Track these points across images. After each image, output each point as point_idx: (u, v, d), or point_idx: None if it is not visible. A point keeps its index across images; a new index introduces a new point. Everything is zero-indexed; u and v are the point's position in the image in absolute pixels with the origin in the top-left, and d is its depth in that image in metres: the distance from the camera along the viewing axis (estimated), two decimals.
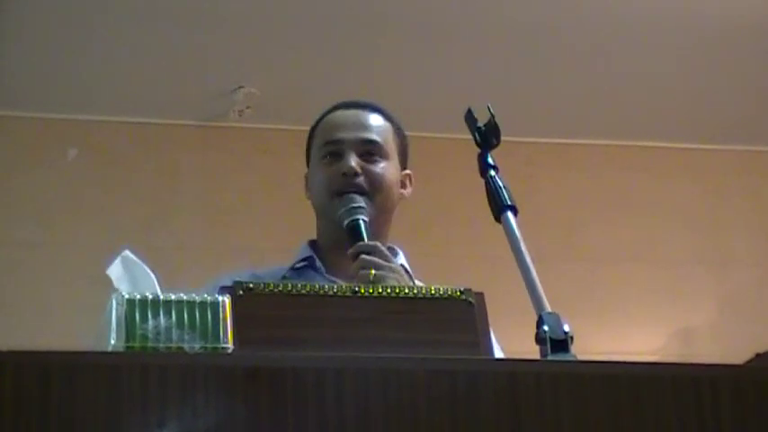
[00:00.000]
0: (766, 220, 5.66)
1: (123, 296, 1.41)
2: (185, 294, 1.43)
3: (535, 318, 1.61)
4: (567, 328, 1.57)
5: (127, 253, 1.61)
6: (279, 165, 5.04)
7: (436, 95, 4.92)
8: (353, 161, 2.35)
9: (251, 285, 1.56)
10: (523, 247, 1.74)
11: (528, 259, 1.72)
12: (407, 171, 2.49)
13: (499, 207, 1.82)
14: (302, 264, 2.38)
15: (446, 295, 1.65)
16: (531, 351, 1.60)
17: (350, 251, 2.19)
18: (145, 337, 1.39)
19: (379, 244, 2.21)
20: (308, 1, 4.54)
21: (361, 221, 2.25)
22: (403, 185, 2.47)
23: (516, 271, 1.74)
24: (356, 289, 1.62)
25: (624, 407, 1.42)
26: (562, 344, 1.55)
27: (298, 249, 2.44)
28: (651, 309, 5.36)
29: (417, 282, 2.40)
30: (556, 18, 4.67)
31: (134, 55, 4.75)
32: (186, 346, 1.40)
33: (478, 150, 1.92)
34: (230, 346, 1.41)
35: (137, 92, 4.98)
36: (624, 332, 5.29)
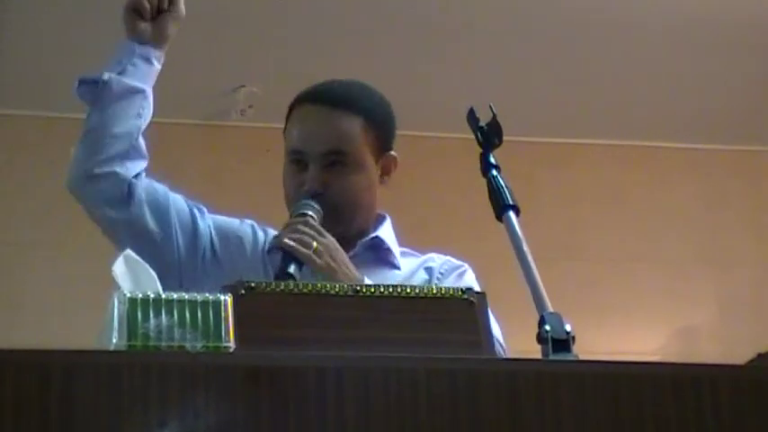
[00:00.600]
0: (766, 220, 5.66)
1: (125, 295, 1.41)
2: (187, 293, 1.43)
3: (537, 317, 1.61)
4: (568, 327, 1.57)
5: (129, 252, 1.61)
6: (280, 164, 5.03)
7: (437, 95, 4.92)
8: (316, 179, 2.25)
9: (252, 284, 1.56)
10: (525, 247, 1.74)
11: (530, 259, 1.72)
12: (392, 154, 2.36)
13: (501, 206, 1.82)
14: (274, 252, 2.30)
15: (447, 295, 1.65)
16: (533, 351, 1.60)
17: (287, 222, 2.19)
18: (147, 336, 1.39)
19: (306, 220, 2.18)
20: (309, 1, 4.54)
21: (307, 214, 2.21)
22: (385, 172, 2.35)
23: (518, 270, 1.74)
24: (357, 288, 1.62)
25: (625, 406, 1.42)
26: (564, 343, 1.55)
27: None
28: (652, 308, 5.37)
29: (402, 249, 2.38)
30: (556, 18, 4.67)
31: None
32: (188, 345, 1.40)
33: (480, 150, 1.92)
34: (232, 345, 1.42)
35: None
36: (625, 332, 5.29)
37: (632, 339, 5.26)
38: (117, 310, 1.39)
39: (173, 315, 1.40)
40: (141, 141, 2.35)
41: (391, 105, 2.40)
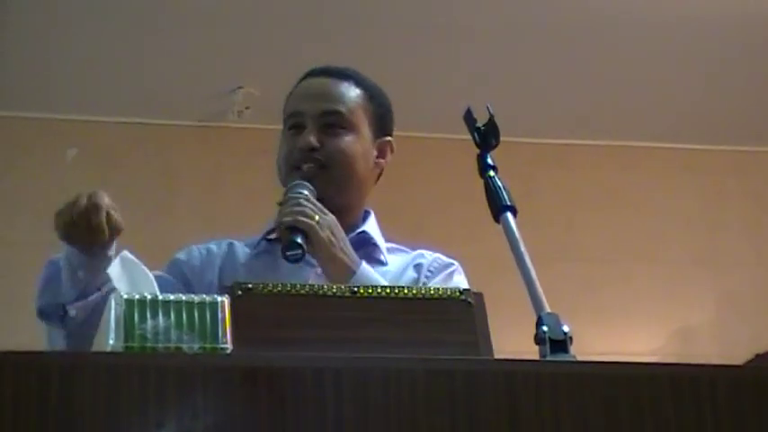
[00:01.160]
0: (765, 220, 5.66)
1: (122, 296, 1.41)
2: (184, 295, 1.43)
3: (534, 318, 1.61)
4: (566, 328, 1.57)
5: (126, 253, 1.61)
6: None
7: (436, 95, 4.92)
8: (312, 135, 2.27)
9: (249, 286, 1.56)
10: (523, 248, 1.74)
11: (527, 259, 1.72)
12: (388, 138, 2.38)
13: (498, 207, 1.82)
14: (274, 235, 2.29)
15: (445, 295, 1.65)
16: (531, 351, 1.60)
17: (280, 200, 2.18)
18: (144, 338, 1.39)
19: (306, 196, 2.15)
20: (308, 1, 4.54)
21: (302, 192, 2.18)
22: (381, 154, 2.36)
23: (515, 271, 1.74)
24: (355, 289, 1.62)
25: (623, 407, 1.42)
26: (561, 344, 1.55)
27: (272, 218, 2.35)
28: (650, 309, 5.36)
29: (390, 245, 2.37)
30: (556, 18, 4.67)
31: (133, 55, 4.75)
32: (185, 347, 1.40)
33: (478, 150, 1.92)
34: (229, 346, 1.41)
35: (136, 92, 4.98)
36: (623, 332, 5.29)
37: (630, 340, 5.26)
38: (114, 312, 1.39)
39: (169, 316, 1.40)
40: None
41: None
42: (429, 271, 2.30)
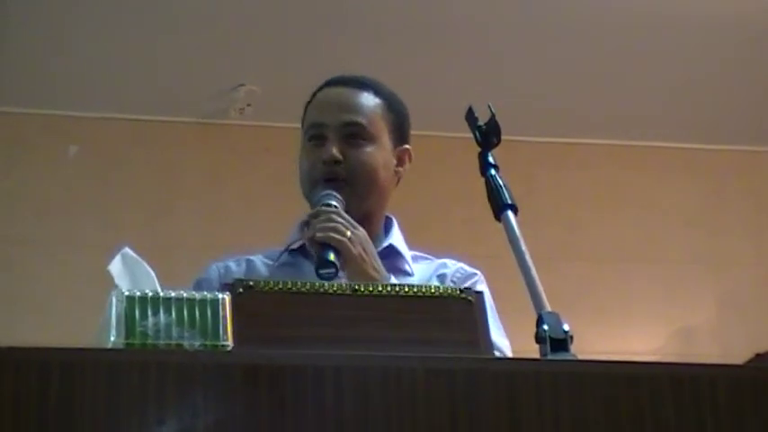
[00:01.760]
0: (766, 220, 5.66)
1: (123, 293, 1.41)
2: (185, 292, 1.43)
3: (535, 317, 1.61)
4: (566, 327, 1.57)
5: (127, 250, 1.61)
6: (279, 163, 5.02)
7: (436, 94, 4.92)
8: (334, 148, 2.26)
9: (251, 283, 1.56)
10: (523, 247, 1.74)
11: (528, 258, 1.72)
12: (406, 146, 2.41)
13: (499, 206, 1.82)
14: (298, 244, 2.31)
15: (445, 294, 1.65)
16: (531, 350, 1.60)
17: (310, 212, 2.17)
18: (145, 335, 1.39)
19: (337, 211, 2.16)
20: (308, 0, 4.54)
21: (332, 203, 2.19)
22: (400, 162, 2.38)
23: (516, 270, 1.74)
24: (356, 287, 1.62)
25: (623, 406, 1.42)
26: (562, 343, 1.55)
27: (291, 231, 2.38)
28: (650, 308, 5.36)
29: (414, 253, 2.39)
30: (556, 18, 4.67)
31: (135, 52, 4.75)
32: (186, 344, 1.40)
33: (479, 149, 1.92)
34: (230, 343, 1.41)
35: (137, 89, 4.98)
36: (623, 332, 5.29)
37: (631, 339, 5.26)
38: (115, 309, 1.39)
39: (171, 313, 1.40)
40: None
41: None
42: (452, 281, 2.32)
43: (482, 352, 1.60)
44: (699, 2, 4.63)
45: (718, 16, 4.70)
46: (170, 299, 1.41)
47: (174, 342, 1.39)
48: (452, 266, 2.37)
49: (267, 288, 1.57)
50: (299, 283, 1.60)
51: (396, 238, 2.39)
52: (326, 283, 1.63)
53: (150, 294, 1.42)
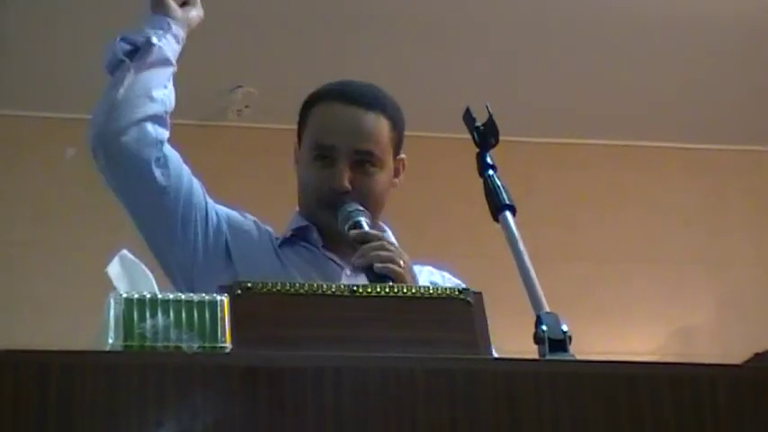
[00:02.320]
0: (766, 220, 5.66)
1: (121, 295, 1.41)
2: (183, 294, 1.43)
3: (533, 317, 1.61)
4: (565, 327, 1.57)
5: (125, 252, 1.61)
6: (277, 164, 5.02)
7: (435, 95, 4.92)
8: (345, 175, 2.25)
9: (249, 285, 1.56)
10: (522, 247, 1.74)
11: (526, 259, 1.72)
12: (402, 156, 2.40)
13: (497, 207, 1.82)
14: (300, 228, 2.33)
15: (444, 294, 1.65)
16: (530, 351, 1.60)
17: (353, 234, 2.15)
18: (143, 337, 1.39)
19: (387, 240, 2.16)
20: (307, 1, 4.54)
21: (363, 222, 2.19)
22: (397, 174, 2.38)
23: (515, 270, 1.74)
24: (354, 288, 1.62)
25: (622, 406, 1.42)
26: (560, 343, 1.55)
27: (291, 218, 2.40)
28: (650, 308, 5.36)
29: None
30: (555, 18, 4.67)
31: None
32: (184, 346, 1.40)
33: (477, 150, 1.92)
34: (228, 345, 1.41)
35: None
36: (623, 332, 5.29)
37: (630, 339, 5.26)
38: (113, 311, 1.39)
39: (169, 315, 1.40)
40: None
41: None
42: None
43: (481, 352, 1.60)
44: (698, 2, 4.64)
45: (717, 16, 4.71)
46: (168, 301, 1.41)
47: (172, 344, 1.39)
48: (437, 273, 2.39)
49: (265, 289, 1.57)
50: (297, 285, 1.60)
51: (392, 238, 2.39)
52: (325, 284, 1.63)
53: (148, 296, 1.42)
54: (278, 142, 5.02)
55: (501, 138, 1.89)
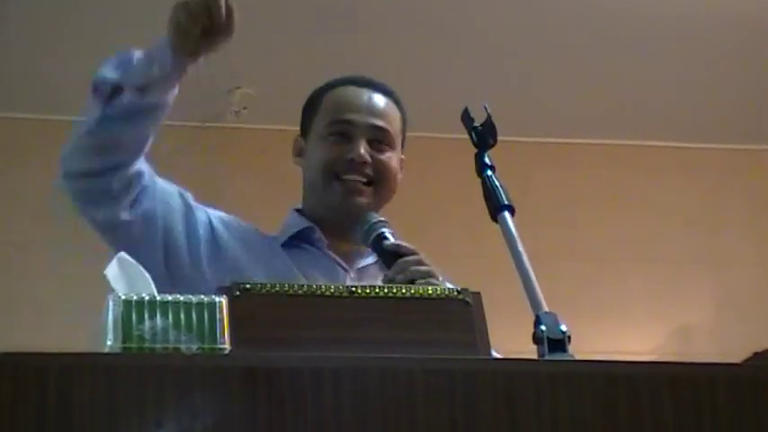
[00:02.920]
0: (764, 219, 5.66)
1: (120, 297, 1.41)
2: (182, 295, 1.43)
3: (532, 317, 1.61)
4: (564, 327, 1.57)
5: (123, 254, 1.61)
6: (276, 165, 5.01)
7: (434, 95, 4.92)
8: (363, 148, 2.27)
9: (247, 286, 1.56)
10: (520, 247, 1.74)
11: (525, 259, 1.72)
12: (403, 156, 2.42)
13: (496, 207, 1.82)
14: (302, 230, 2.32)
15: (443, 295, 1.65)
16: (529, 351, 1.60)
17: (388, 245, 2.14)
18: (142, 338, 1.39)
19: (420, 254, 2.14)
20: (305, 2, 4.54)
21: (388, 233, 2.18)
22: (401, 171, 2.40)
23: (513, 270, 1.74)
24: (353, 289, 1.62)
25: (622, 406, 1.42)
26: (559, 343, 1.55)
27: (287, 218, 2.38)
28: (649, 308, 5.36)
29: None
30: (554, 17, 4.67)
31: None
32: (183, 347, 1.40)
33: (475, 150, 1.92)
34: (227, 346, 1.41)
35: None
36: (622, 331, 5.29)
37: (629, 339, 5.26)
38: (111, 313, 1.39)
39: (167, 317, 1.40)
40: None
41: None
42: None
43: (480, 353, 1.60)
44: (698, 2, 4.64)
45: (716, 16, 4.70)
46: (167, 302, 1.41)
47: (171, 346, 1.39)
48: None
49: (264, 291, 1.57)
50: (295, 286, 1.60)
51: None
52: (324, 285, 1.63)
53: (147, 298, 1.42)
54: (276, 143, 5.02)
55: (499, 138, 1.89)
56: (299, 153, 2.40)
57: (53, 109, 5.09)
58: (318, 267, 2.28)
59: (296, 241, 2.33)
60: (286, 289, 1.58)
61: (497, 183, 1.85)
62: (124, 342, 1.39)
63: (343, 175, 2.27)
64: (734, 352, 1.64)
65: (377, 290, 1.63)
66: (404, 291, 1.64)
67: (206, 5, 2.14)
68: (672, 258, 5.50)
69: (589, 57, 4.93)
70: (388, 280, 2.10)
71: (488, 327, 1.67)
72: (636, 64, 5.00)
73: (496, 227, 1.82)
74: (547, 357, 1.54)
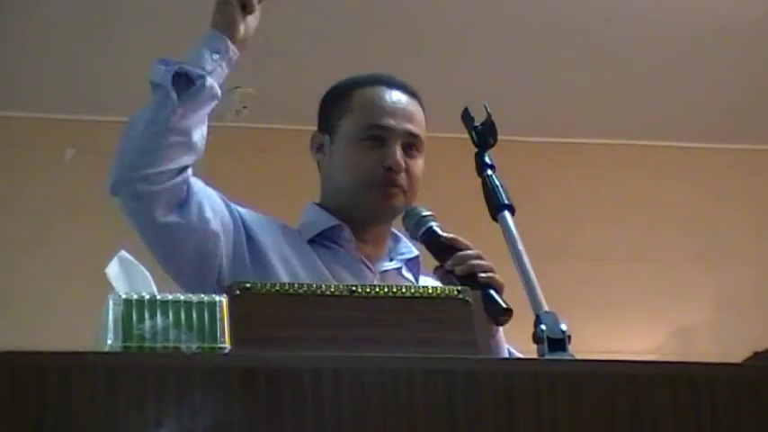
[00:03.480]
0: (764, 219, 5.66)
1: (120, 296, 1.41)
2: (182, 294, 1.43)
3: (533, 317, 1.61)
4: (564, 327, 1.57)
5: (123, 253, 1.61)
6: (276, 164, 5.03)
7: (435, 95, 4.89)
8: (399, 154, 2.25)
9: (248, 285, 1.56)
10: (521, 246, 1.74)
11: (525, 258, 1.72)
12: None
13: (496, 206, 1.82)
14: (330, 227, 2.29)
15: (443, 294, 1.65)
16: (529, 350, 1.60)
17: (447, 238, 2.15)
18: (142, 338, 1.39)
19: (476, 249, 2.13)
20: (304, 1, 4.54)
21: (436, 227, 2.20)
22: None
23: (513, 270, 1.74)
24: (353, 288, 1.62)
25: (621, 406, 1.42)
26: (559, 343, 1.56)
27: (309, 214, 2.35)
28: (649, 308, 5.36)
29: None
30: (555, 18, 4.67)
31: (131, 55, 4.74)
32: (183, 346, 1.40)
33: (475, 149, 1.92)
34: (227, 345, 1.41)
35: (134, 92, 4.94)
36: (622, 331, 5.29)
37: (629, 338, 5.26)
38: (112, 312, 1.39)
39: (168, 316, 1.40)
40: None
41: None
42: None
43: (480, 352, 1.60)
44: (698, 3, 4.63)
45: (716, 17, 4.70)
46: (167, 302, 1.41)
47: (171, 345, 1.39)
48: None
49: (264, 290, 1.57)
50: (296, 285, 1.60)
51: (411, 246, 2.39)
52: (324, 285, 1.63)
53: (147, 297, 1.42)
54: (277, 142, 5.05)
55: (499, 137, 1.89)
56: (318, 149, 2.36)
57: (53, 109, 5.09)
58: (346, 267, 2.26)
59: (320, 238, 2.30)
60: (286, 288, 1.58)
61: (498, 182, 1.85)
62: (125, 341, 1.39)
63: (381, 183, 2.25)
64: (734, 352, 1.64)
65: (377, 289, 1.63)
66: (404, 290, 1.64)
67: None
68: (672, 258, 5.50)
69: (589, 56, 4.93)
70: (444, 272, 2.10)
71: None
72: (636, 64, 5.00)
73: (496, 226, 1.82)
74: (547, 357, 1.54)
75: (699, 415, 1.42)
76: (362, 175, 2.26)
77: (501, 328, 2.13)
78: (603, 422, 1.40)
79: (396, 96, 2.32)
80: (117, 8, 4.52)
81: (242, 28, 2.29)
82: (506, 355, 2.13)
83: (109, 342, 1.38)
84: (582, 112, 5.34)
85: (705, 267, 5.53)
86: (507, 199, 1.83)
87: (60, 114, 5.14)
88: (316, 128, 2.40)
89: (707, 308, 5.47)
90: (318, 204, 2.36)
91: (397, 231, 2.39)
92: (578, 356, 1.54)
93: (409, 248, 2.37)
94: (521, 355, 2.12)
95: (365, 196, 2.26)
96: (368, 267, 2.29)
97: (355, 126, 2.29)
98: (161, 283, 1.62)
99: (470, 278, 2.04)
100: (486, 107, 1.89)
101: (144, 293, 1.42)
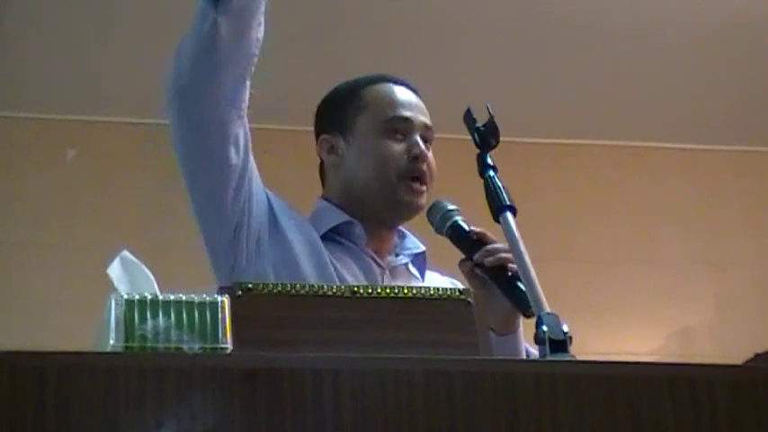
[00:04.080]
0: (764, 221, 5.66)
1: (122, 296, 1.41)
2: (184, 295, 1.43)
3: (534, 318, 1.61)
4: (565, 328, 1.57)
5: (125, 253, 1.61)
6: (277, 165, 5.03)
7: (435, 95, 4.90)
8: (422, 144, 2.29)
9: (250, 285, 1.56)
10: (522, 248, 1.74)
11: (527, 259, 1.72)
12: None
13: (498, 207, 1.82)
14: (342, 223, 2.29)
15: (445, 296, 1.65)
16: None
17: (476, 232, 2.16)
18: (144, 338, 1.39)
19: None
20: (304, 2, 4.54)
21: (461, 222, 2.21)
22: None
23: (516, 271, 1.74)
24: (355, 289, 1.62)
25: (621, 407, 1.41)
26: (561, 344, 1.55)
27: (321, 209, 2.35)
28: (649, 309, 5.36)
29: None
30: (555, 18, 4.67)
31: (132, 55, 4.75)
32: (185, 347, 1.40)
33: (477, 151, 1.92)
34: (229, 346, 1.41)
35: (135, 92, 4.98)
36: (622, 332, 5.29)
37: (629, 340, 5.26)
38: (114, 312, 1.39)
39: (170, 316, 1.40)
40: None
41: None
42: None
43: (481, 354, 1.60)
44: (698, 3, 4.64)
45: (716, 17, 4.71)
46: (169, 302, 1.41)
47: (173, 345, 1.39)
48: (446, 280, 2.39)
49: (266, 291, 1.57)
50: (297, 286, 1.60)
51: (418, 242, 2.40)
52: (325, 285, 1.63)
53: (149, 297, 1.42)
54: (277, 143, 5.04)
55: (501, 138, 1.89)
56: (330, 150, 2.36)
57: (53, 109, 5.09)
58: (356, 264, 2.27)
59: (331, 234, 2.30)
60: (288, 289, 1.58)
61: (499, 183, 1.85)
62: (126, 341, 1.39)
63: (408, 174, 2.27)
64: (734, 353, 1.64)
65: (378, 290, 1.63)
66: (405, 291, 1.64)
67: None
68: (672, 259, 5.50)
69: (589, 57, 4.93)
70: (473, 265, 2.12)
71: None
72: (636, 65, 5.00)
73: (498, 227, 1.82)
74: (548, 358, 1.54)
75: (699, 416, 1.42)
76: (391, 165, 2.28)
77: (521, 327, 2.14)
78: (604, 423, 1.40)
79: (405, 92, 2.37)
80: (117, 8, 4.52)
81: None
82: (524, 352, 2.13)
83: (111, 342, 1.38)
84: (583, 113, 5.35)
85: (705, 269, 5.53)
86: (509, 200, 1.83)
87: (60, 114, 5.14)
88: (314, 131, 2.42)
89: (707, 309, 5.47)
90: (326, 199, 2.37)
91: (401, 228, 2.40)
92: (579, 358, 1.54)
93: (416, 244, 2.38)
94: (537, 356, 2.13)
95: (395, 188, 2.27)
96: (377, 263, 2.29)
97: (374, 121, 2.31)
98: (162, 282, 1.62)
99: (500, 270, 2.07)
100: (488, 108, 1.89)
101: (146, 294, 1.42)
